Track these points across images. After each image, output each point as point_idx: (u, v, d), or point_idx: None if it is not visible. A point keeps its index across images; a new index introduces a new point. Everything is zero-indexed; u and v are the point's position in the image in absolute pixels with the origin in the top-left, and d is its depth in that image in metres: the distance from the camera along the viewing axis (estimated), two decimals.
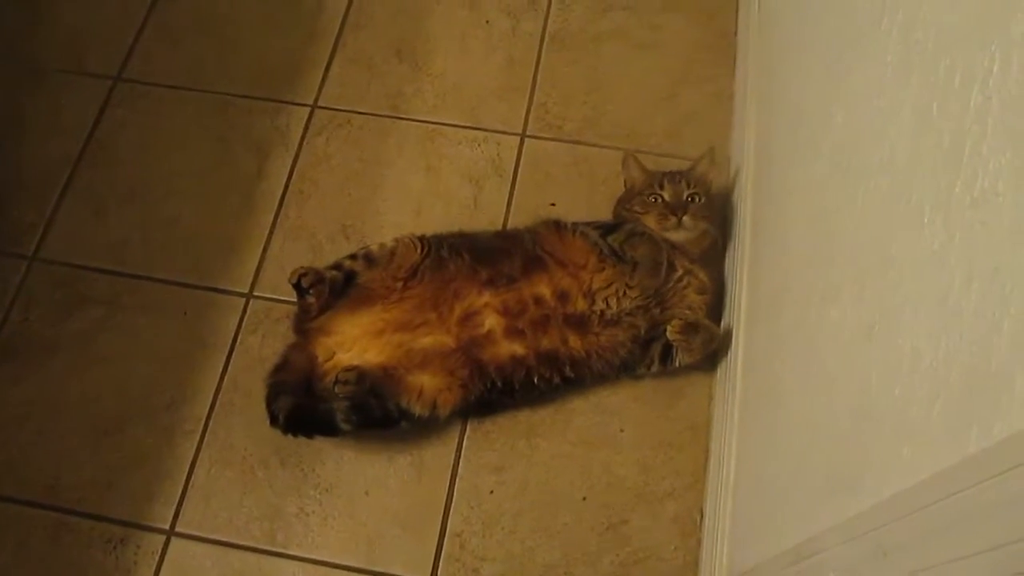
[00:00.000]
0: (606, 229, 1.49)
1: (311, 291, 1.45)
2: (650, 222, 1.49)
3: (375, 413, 1.37)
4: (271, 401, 1.41)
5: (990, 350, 0.61)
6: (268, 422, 1.41)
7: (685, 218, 1.47)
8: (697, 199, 1.50)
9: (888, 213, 0.82)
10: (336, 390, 1.35)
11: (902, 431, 0.72)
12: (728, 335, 1.47)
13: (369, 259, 1.51)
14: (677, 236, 1.48)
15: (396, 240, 1.52)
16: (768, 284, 1.34)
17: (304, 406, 1.39)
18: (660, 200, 1.50)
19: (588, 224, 1.52)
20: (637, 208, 1.51)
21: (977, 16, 0.69)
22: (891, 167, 0.84)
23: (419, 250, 1.49)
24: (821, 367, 0.98)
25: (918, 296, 0.73)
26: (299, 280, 1.44)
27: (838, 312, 0.93)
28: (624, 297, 1.44)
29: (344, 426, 1.36)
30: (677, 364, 1.46)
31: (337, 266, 1.50)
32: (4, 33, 1.89)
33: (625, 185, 1.58)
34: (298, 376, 1.42)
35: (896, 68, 0.88)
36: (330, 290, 1.46)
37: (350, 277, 1.49)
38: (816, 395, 0.98)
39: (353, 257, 1.51)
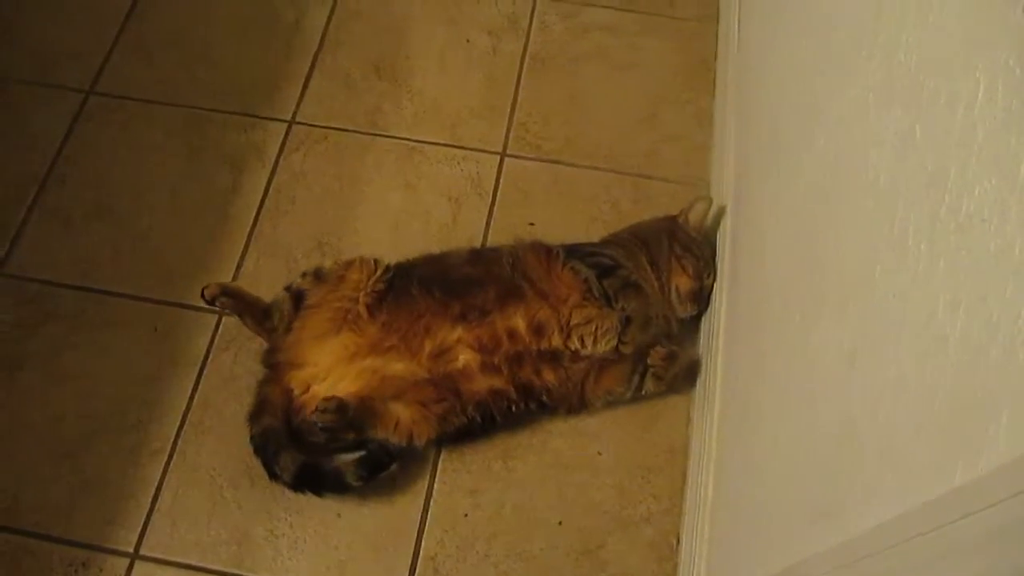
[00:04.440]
0: (602, 270, 1.46)
1: (216, 304, 1.48)
2: (680, 283, 1.49)
3: (381, 460, 1.36)
4: (268, 459, 1.37)
5: (976, 378, 0.60)
6: (265, 476, 1.38)
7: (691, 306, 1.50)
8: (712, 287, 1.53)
9: (871, 236, 0.81)
10: (316, 419, 1.32)
11: (886, 459, 0.71)
12: (698, 363, 1.48)
13: (318, 276, 1.48)
14: (682, 315, 1.51)
15: (351, 259, 1.49)
16: (747, 305, 1.34)
17: (310, 466, 1.36)
18: (699, 284, 1.50)
19: (581, 257, 1.48)
20: (689, 267, 1.49)
21: (961, 40, 0.69)
22: (874, 190, 0.83)
23: (377, 271, 1.46)
24: (801, 390, 0.97)
25: (902, 321, 0.72)
26: (202, 292, 1.49)
27: (819, 335, 0.92)
28: (600, 338, 1.42)
29: (356, 483, 1.35)
30: (644, 392, 1.46)
31: (288, 286, 1.49)
32: None
33: (681, 218, 1.55)
34: (281, 419, 1.39)
35: (878, 91, 0.87)
36: (266, 310, 1.48)
37: (299, 296, 1.47)
38: (796, 419, 0.97)
39: (303, 275, 1.50)
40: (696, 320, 1.54)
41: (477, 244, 1.64)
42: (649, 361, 1.44)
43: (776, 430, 1.05)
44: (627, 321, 1.43)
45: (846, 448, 0.80)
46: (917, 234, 0.71)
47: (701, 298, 1.50)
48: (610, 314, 1.42)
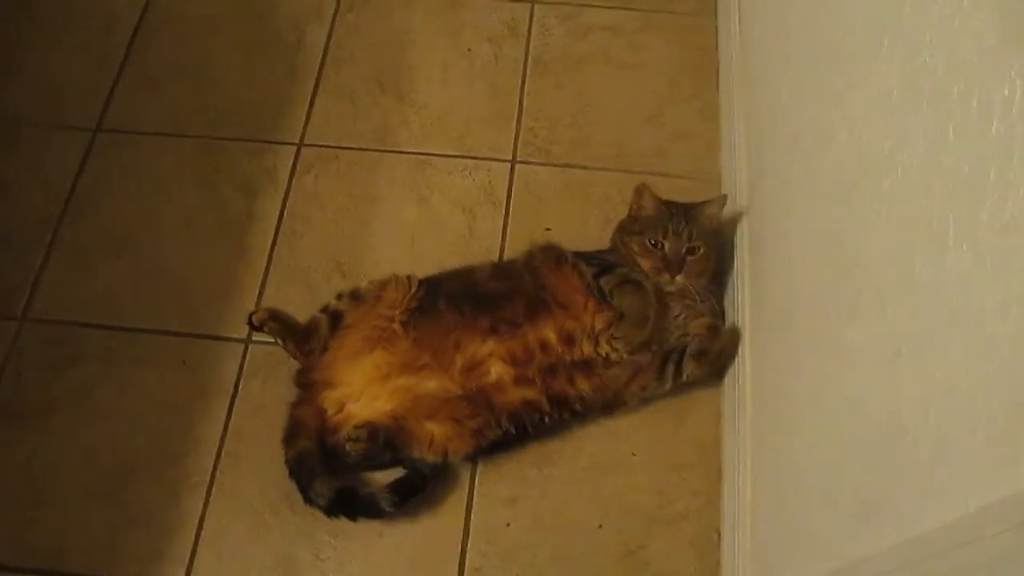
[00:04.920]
0: (601, 268, 1.47)
1: (264, 329, 1.52)
2: (645, 266, 1.47)
3: (415, 484, 1.38)
4: (303, 484, 1.38)
5: None
6: (301, 500, 1.39)
7: (679, 277, 1.45)
8: (697, 251, 1.46)
9: (907, 237, 0.82)
10: (349, 448, 1.33)
11: (942, 458, 0.72)
12: (739, 334, 1.47)
13: (355, 296, 1.51)
14: (670, 288, 1.47)
15: (387, 278, 1.51)
16: (773, 302, 1.34)
17: (344, 492, 1.37)
18: (660, 250, 1.46)
19: (586, 258, 1.50)
20: (635, 248, 1.48)
21: (993, 43, 0.69)
22: (904, 190, 0.84)
23: (412, 288, 1.48)
24: (840, 389, 0.98)
25: (949, 320, 0.73)
26: (250, 318, 1.52)
27: (857, 334, 0.93)
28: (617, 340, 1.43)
29: (389, 509, 1.37)
30: (686, 378, 1.45)
31: (324, 308, 1.52)
32: None
33: (630, 213, 1.55)
34: (315, 440, 1.41)
35: (902, 91, 0.88)
36: (307, 332, 1.50)
37: (336, 317, 1.50)
38: (837, 417, 0.98)
39: (339, 296, 1.52)
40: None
41: (495, 253, 1.65)
42: (692, 330, 1.44)
43: (815, 426, 1.06)
44: (620, 316, 1.43)
45: (896, 447, 0.81)
46: (958, 235, 0.72)
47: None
48: (615, 316, 1.43)
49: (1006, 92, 0.66)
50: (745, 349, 1.44)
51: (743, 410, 1.39)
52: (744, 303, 1.48)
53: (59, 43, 1.90)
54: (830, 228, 1.08)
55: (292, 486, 1.44)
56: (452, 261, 1.61)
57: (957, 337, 0.71)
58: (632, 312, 1.42)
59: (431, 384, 1.41)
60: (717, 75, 1.82)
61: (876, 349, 0.87)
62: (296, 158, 1.75)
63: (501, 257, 1.65)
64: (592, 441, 1.49)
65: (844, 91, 1.06)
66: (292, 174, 1.73)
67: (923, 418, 0.76)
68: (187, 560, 1.41)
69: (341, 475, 1.41)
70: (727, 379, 1.50)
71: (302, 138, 1.77)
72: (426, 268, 1.57)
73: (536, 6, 1.93)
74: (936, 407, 0.74)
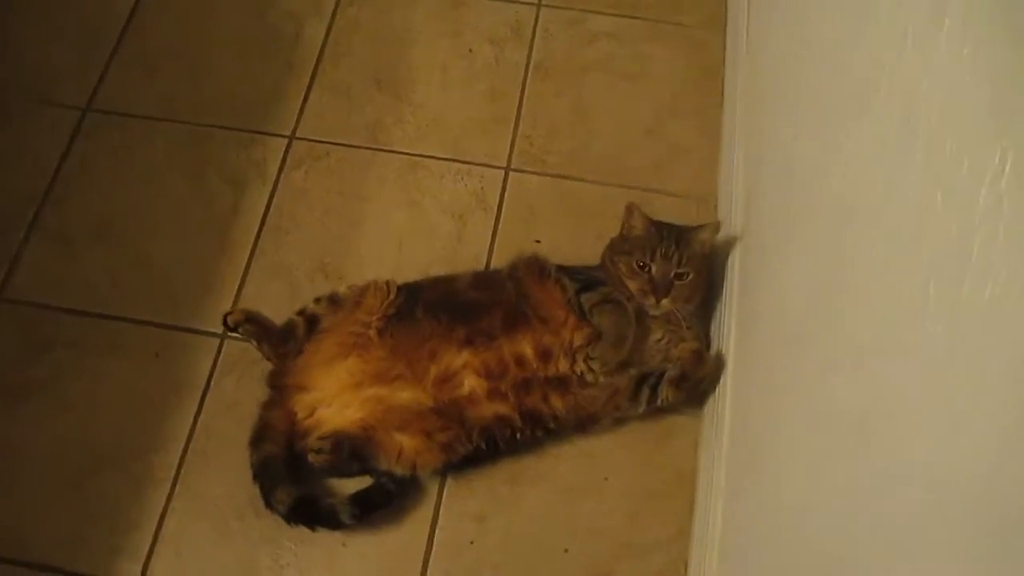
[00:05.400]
0: (584, 285, 1.44)
1: (239, 331, 1.50)
2: (631, 287, 1.44)
3: (377, 499, 1.36)
4: (267, 489, 1.36)
5: (1005, 485, 0.57)
6: (263, 504, 1.37)
7: (664, 300, 1.42)
8: (685, 276, 1.42)
9: (890, 295, 0.79)
10: (312, 459, 1.31)
11: (897, 552, 0.69)
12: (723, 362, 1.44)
13: (334, 301, 1.49)
14: (654, 312, 1.44)
15: (367, 283, 1.49)
16: (759, 334, 1.31)
17: (306, 501, 1.35)
18: (647, 272, 1.42)
19: (571, 272, 1.47)
20: (623, 268, 1.45)
21: (987, 106, 0.66)
22: (894, 246, 0.80)
23: (390, 294, 1.45)
24: (812, 442, 0.94)
25: (919, 399, 0.70)
26: (225, 319, 1.49)
27: (832, 389, 0.90)
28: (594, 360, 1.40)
29: (349, 521, 1.34)
30: (661, 403, 1.42)
31: (301, 311, 1.49)
32: None
33: (621, 231, 1.51)
34: (282, 444, 1.38)
35: (898, 137, 0.84)
36: (283, 335, 1.48)
37: (313, 320, 1.47)
38: (807, 470, 0.95)
39: (317, 300, 1.50)
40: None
41: (482, 261, 1.62)
42: (675, 355, 1.41)
43: (787, 474, 1.03)
44: (598, 335, 1.40)
45: (854, 520, 0.78)
46: (939, 305, 0.68)
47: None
48: (593, 334, 1.40)
49: (996, 160, 0.62)
50: (728, 378, 1.41)
51: (720, 442, 1.36)
52: (730, 331, 1.45)
53: (54, 19, 1.87)
54: (819, 270, 1.04)
55: (257, 490, 1.42)
56: (439, 267, 1.58)
57: (924, 420, 0.67)
58: (610, 332, 1.39)
59: (404, 395, 1.38)
60: (722, 92, 1.78)
61: (849, 409, 0.84)
62: (287, 152, 1.72)
63: (488, 265, 1.61)
64: (567, 462, 1.47)
65: (843, 129, 1.02)
66: (281, 168, 1.70)
67: (880, 499, 0.72)
68: (144, 557, 1.39)
69: (306, 482, 1.38)
70: (707, 408, 1.47)
71: (294, 131, 1.74)
72: (412, 273, 1.55)
73: (542, 9, 1.89)
74: (895, 494, 0.70)
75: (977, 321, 0.63)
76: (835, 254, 0.98)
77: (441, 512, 1.43)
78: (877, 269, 0.84)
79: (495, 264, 1.61)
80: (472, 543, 1.41)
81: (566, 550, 1.40)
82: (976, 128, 0.67)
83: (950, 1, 0.75)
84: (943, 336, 0.68)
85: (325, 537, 1.40)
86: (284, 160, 1.71)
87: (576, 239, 1.63)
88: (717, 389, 1.43)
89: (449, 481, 1.45)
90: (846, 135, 1.00)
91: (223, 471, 1.44)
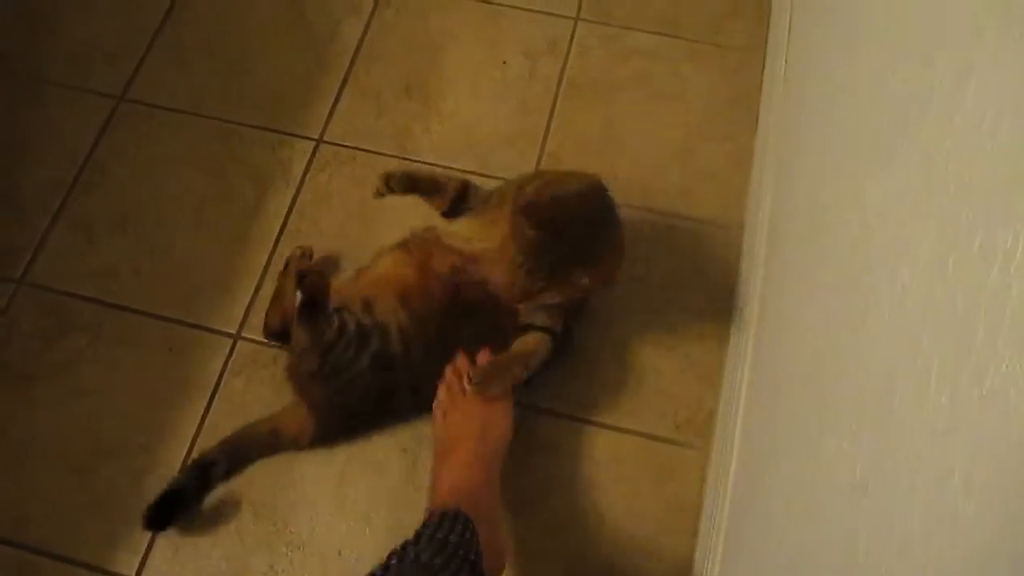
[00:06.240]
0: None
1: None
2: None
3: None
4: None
5: (989, 569, 0.55)
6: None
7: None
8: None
9: (893, 364, 0.76)
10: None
11: None
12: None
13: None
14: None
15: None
16: (771, 374, 1.28)
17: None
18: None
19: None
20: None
21: (1006, 181, 0.63)
22: (901, 311, 0.77)
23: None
24: (809, 500, 0.92)
25: (915, 474, 0.67)
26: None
27: (833, 447, 0.87)
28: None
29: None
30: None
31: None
32: (4, 44, 1.85)
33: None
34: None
35: (916, 196, 0.81)
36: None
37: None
38: (803, 524, 0.92)
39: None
40: (718, 365, 1.49)
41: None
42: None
43: (783, 526, 1.01)
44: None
45: None
46: (940, 384, 0.65)
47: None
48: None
49: (1008, 244, 0.59)
50: (738, 413, 1.38)
51: (725, 478, 1.33)
52: (744, 365, 1.42)
53: (95, 7, 1.89)
54: (831, 319, 1.01)
55: (257, 494, 1.43)
56: None
57: (919, 497, 0.65)
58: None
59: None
60: (756, 119, 1.74)
61: (846, 473, 0.81)
62: (313, 154, 1.72)
63: None
64: (571, 490, 1.45)
65: (866, 177, 0.99)
66: (306, 171, 1.70)
67: (876, 569, 0.70)
68: (143, 551, 1.40)
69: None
70: (715, 444, 1.44)
71: (322, 134, 1.74)
72: None
73: (579, 24, 1.86)
74: (890, 566, 0.68)
75: (976, 406, 0.60)
76: (848, 307, 0.95)
77: None
78: (885, 331, 0.81)
79: None
80: None
81: None
82: (993, 203, 0.64)
83: (977, 61, 0.72)
84: (945, 413, 0.65)
85: (321, 544, 1.40)
86: (310, 163, 1.71)
87: None
88: (727, 425, 1.41)
89: None
90: (868, 184, 0.97)
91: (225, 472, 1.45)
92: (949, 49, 0.79)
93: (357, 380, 1.39)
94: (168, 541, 1.41)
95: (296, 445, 1.44)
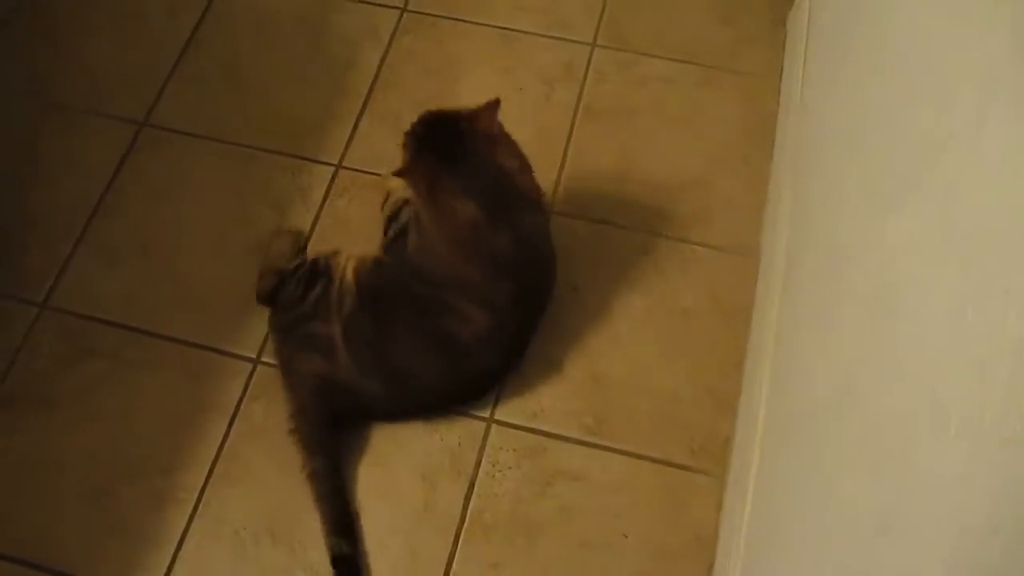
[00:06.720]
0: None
1: None
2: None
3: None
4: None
5: None
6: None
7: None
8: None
9: (912, 405, 0.76)
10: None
11: None
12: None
13: None
14: None
15: None
16: (789, 406, 1.28)
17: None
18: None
19: None
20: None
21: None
22: (919, 355, 0.77)
23: None
24: (829, 539, 0.92)
25: (936, 518, 0.67)
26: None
27: (850, 488, 0.87)
28: None
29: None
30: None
31: None
32: (29, 69, 1.88)
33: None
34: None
35: (936, 235, 0.81)
36: None
37: None
38: (822, 567, 0.92)
39: None
40: (735, 391, 1.49)
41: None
42: None
43: (801, 562, 1.01)
44: None
45: None
46: (960, 429, 0.66)
47: None
48: None
49: None
50: (756, 442, 1.38)
51: (742, 511, 1.33)
52: (761, 393, 1.42)
53: (118, 33, 1.92)
54: (848, 355, 1.02)
55: (277, 517, 1.44)
56: None
57: (943, 539, 0.65)
58: None
59: None
60: (772, 145, 1.75)
61: (865, 514, 0.81)
62: (332, 180, 1.74)
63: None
64: (585, 516, 1.45)
65: (885, 214, 0.99)
66: (326, 196, 1.72)
67: None
68: (163, 575, 1.41)
69: None
70: (732, 470, 1.44)
71: (341, 160, 1.76)
72: None
73: (596, 50, 1.88)
74: None
75: (997, 453, 0.60)
76: (865, 344, 0.95)
77: (456, 557, 1.42)
78: (904, 373, 0.81)
79: None
80: None
81: None
82: (1016, 246, 0.65)
83: (997, 100, 0.73)
84: (965, 457, 0.65)
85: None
86: (329, 188, 1.73)
87: (612, 287, 1.62)
88: (744, 453, 1.41)
89: (466, 525, 1.44)
90: (886, 222, 0.97)
91: (244, 496, 1.46)
92: (969, 87, 0.80)
93: (300, 325, 1.48)
94: (187, 565, 1.42)
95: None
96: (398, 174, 1.42)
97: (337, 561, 1.39)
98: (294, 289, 1.51)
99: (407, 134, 1.43)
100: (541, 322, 1.56)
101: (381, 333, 1.46)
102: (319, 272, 1.51)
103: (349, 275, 1.50)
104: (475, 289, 1.45)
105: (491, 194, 1.41)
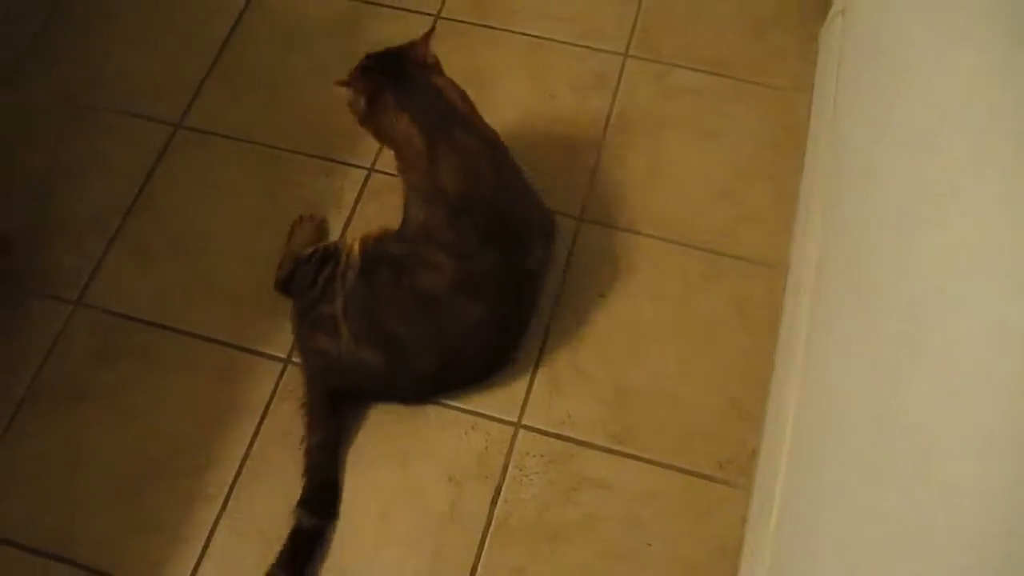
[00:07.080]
0: None
1: None
2: None
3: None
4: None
5: None
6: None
7: None
8: None
9: (947, 412, 0.76)
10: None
11: None
12: None
13: None
14: None
15: None
16: (815, 421, 1.28)
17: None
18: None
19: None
20: None
21: None
22: (956, 363, 0.78)
23: None
24: (856, 553, 0.92)
25: (972, 530, 0.67)
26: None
27: (883, 502, 0.87)
28: None
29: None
30: None
31: None
32: (66, 71, 1.91)
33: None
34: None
35: (973, 249, 0.82)
36: None
37: None
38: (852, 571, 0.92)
39: None
40: (762, 403, 1.49)
41: (545, 313, 1.62)
42: None
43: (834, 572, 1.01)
44: None
45: None
46: (998, 441, 0.66)
47: None
48: None
49: None
50: (783, 455, 1.38)
51: (768, 522, 1.33)
52: (789, 406, 1.42)
53: (155, 36, 1.95)
54: (881, 368, 1.02)
55: None
56: None
57: (979, 563, 0.65)
58: None
59: None
60: (802, 159, 1.75)
61: (899, 528, 0.81)
62: (365, 183, 1.76)
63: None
64: (609, 525, 1.45)
65: (911, 231, 1.00)
66: (358, 200, 1.74)
67: None
68: (190, 572, 1.43)
69: None
70: (757, 482, 1.44)
71: (373, 163, 1.77)
72: None
73: (628, 60, 1.89)
74: None
75: (1010, 494, 0.60)
76: (900, 358, 0.95)
77: (482, 561, 1.43)
78: (941, 386, 0.81)
79: (560, 307, 1.61)
80: None
81: None
82: None
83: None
84: (1001, 471, 0.65)
85: (364, 573, 1.42)
86: (361, 191, 1.74)
87: (637, 298, 1.63)
88: (770, 466, 1.41)
89: (492, 530, 1.45)
90: (919, 241, 0.97)
91: (271, 495, 1.47)
92: (1008, 106, 0.80)
93: (312, 309, 1.52)
94: (214, 562, 1.43)
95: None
96: (342, 83, 1.49)
97: (295, 532, 1.41)
98: (306, 274, 1.55)
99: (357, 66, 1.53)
100: (541, 289, 1.60)
101: (373, 300, 1.49)
102: (329, 255, 1.55)
103: (356, 251, 1.53)
104: (439, 232, 1.49)
105: (425, 108, 1.50)
